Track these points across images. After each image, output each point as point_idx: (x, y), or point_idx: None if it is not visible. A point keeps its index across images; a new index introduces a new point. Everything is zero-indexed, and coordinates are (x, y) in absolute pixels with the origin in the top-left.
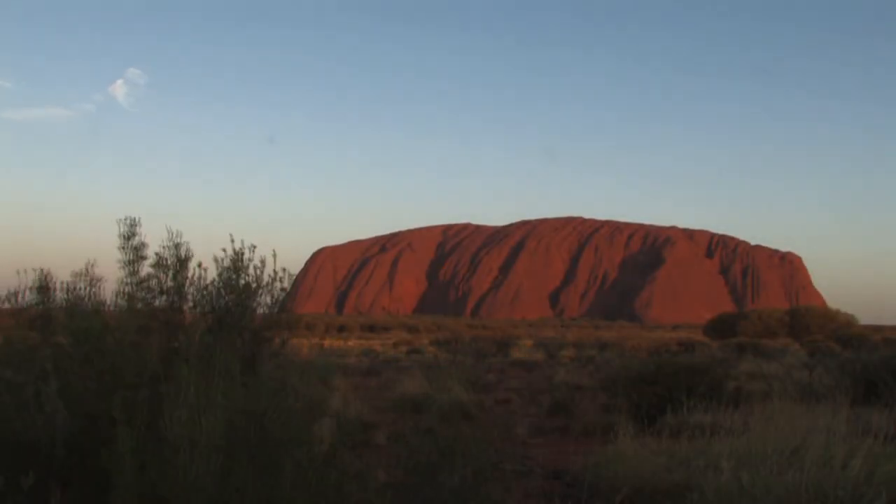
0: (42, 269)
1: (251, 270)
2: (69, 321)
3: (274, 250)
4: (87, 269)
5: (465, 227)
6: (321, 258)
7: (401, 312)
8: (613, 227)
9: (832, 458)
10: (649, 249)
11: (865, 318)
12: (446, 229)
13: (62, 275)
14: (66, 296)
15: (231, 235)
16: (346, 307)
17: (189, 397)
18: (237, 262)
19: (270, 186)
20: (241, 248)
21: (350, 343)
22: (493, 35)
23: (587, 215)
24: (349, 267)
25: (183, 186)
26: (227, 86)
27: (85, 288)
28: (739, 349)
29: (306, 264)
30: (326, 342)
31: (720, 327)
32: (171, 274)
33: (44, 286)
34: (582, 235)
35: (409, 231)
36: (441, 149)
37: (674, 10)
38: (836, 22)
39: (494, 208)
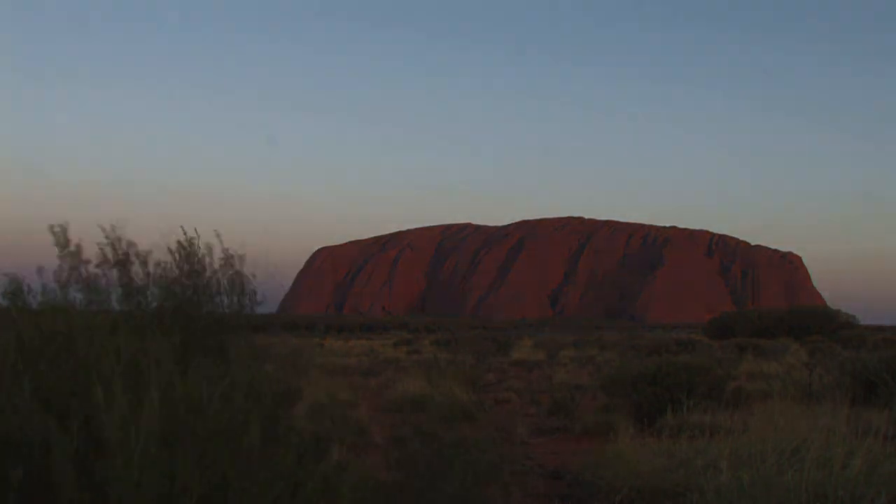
0: (15, 273)
1: (198, 255)
2: (34, 321)
3: (216, 231)
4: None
5: (465, 227)
6: (321, 258)
7: (401, 312)
8: (613, 227)
9: (832, 458)
10: (649, 249)
11: (865, 318)
12: (446, 229)
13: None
14: (40, 298)
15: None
16: (346, 307)
17: (116, 395)
18: (183, 251)
19: (270, 186)
20: (184, 237)
21: (350, 343)
22: (493, 34)
23: (587, 215)
24: (349, 267)
25: (183, 186)
26: (227, 85)
27: (59, 290)
28: (739, 349)
29: (306, 264)
30: (326, 342)
31: (720, 327)
32: (117, 272)
33: (16, 288)
34: (582, 235)
35: (409, 231)
36: (441, 149)
37: (673, 10)
38: (836, 21)
39: (494, 208)
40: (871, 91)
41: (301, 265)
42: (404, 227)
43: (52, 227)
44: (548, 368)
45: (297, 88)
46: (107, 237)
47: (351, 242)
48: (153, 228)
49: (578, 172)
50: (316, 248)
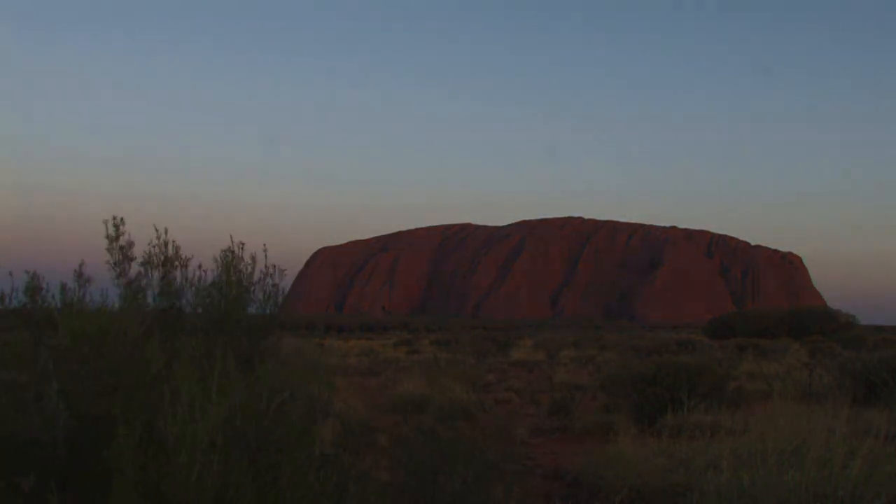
0: (34, 272)
1: (241, 267)
2: (68, 322)
3: (265, 245)
4: (78, 270)
5: (465, 227)
6: (321, 258)
7: (401, 312)
8: (613, 227)
9: (832, 458)
10: (649, 249)
11: (865, 318)
12: (446, 229)
13: (52, 276)
14: (60, 297)
15: (231, 235)
16: (346, 307)
17: (188, 395)
18: (228, 259)
19: (271, 186)
20: (230, 246)
21: (350, 343)
22: (493, 34)
23: (587, 215)
24: (349, 267)
25: (183, 186)
26: (228, 84)
27: (77, 289)
28: (739, 349)
29: (306, 264)
30: (326, 342)
31: (720, 327)
32: (160, 273)
33: (35, 287)
34: (582, 235)
35: (409, 231)
36: (441, 149)
37: (674, 9)
38: (836, 20)
39: (494, 208)
40: (872, 90)
41: (301, 265)
42: (404, 227)
43: (107, 221)
44: (548, 368)
45: (298, 88)
46: (158, 237)
47: (351, 242)
48: (152, 227)
49: (578, 172)
50: (316, 248)
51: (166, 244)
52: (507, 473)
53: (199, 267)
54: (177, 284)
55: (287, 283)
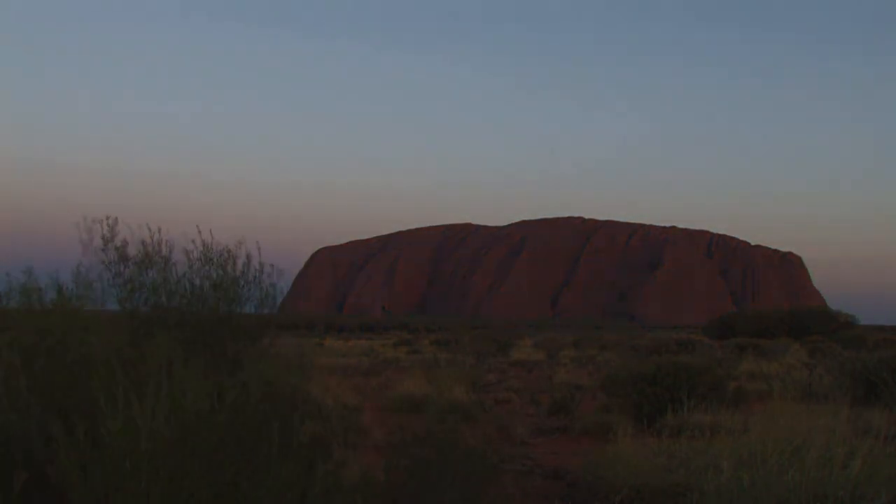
0: (30, 270)
1: (232, 265)
2: (27, 318)
3: (258, 243)
4: (76, 270)
5: (466, 227)
6: (321, 258)
7: (401, 312)
8: (613, 227)
9: (832, 458)
10: (649, 249)
11: (865, 318)
12: (446, 229)
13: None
14: (57, 297)
15: (197, 227)
16: (346, 307)
17: (123, 399)
18: (208, 255)
19: (271, 186)
20: (210, 242)
21: (350, 343)
22: (493, 34)
23: (587, 215)
24: (349, 267)
25: (182, 186)
26: (227, 84)
27: (76, 287)
28: (739, 349)
29: (306, 264)
30: (326, 342)
31: (720, 327)
32: (154, 272)
33: (31, 287)
34: (582, 235)
35: (410, 231)
36: (441, 148)
37: (675, 10)
38: (836, 21)
39: (494, 208)
40: (872, 89)
41: (301, 265)
42: (404, 227)
43: (102, 221)
44: (548, 368)
45: (298, 87)
46: (151, 237)
47: (351, 242)
48: (151, 226)
49: (579, 172)
50: (316, 248)
51: (159, 244)
52: (508, 477)
53: (173, 265)
54: (170, 284)
55: (287, 282)
